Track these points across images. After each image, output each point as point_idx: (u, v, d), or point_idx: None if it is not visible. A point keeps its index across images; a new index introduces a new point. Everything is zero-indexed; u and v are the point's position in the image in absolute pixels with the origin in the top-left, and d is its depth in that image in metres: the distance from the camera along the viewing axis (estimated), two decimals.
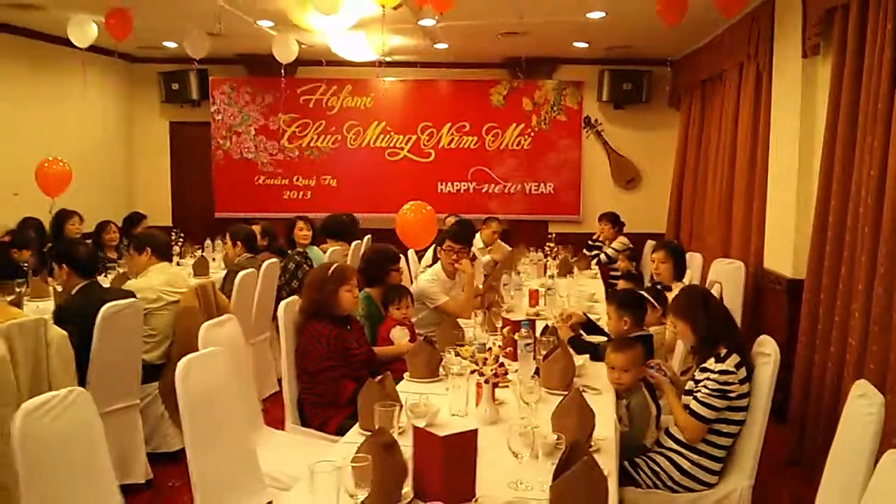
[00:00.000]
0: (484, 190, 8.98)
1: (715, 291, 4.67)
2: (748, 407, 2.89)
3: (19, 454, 2.00)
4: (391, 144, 9.02)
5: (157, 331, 4.32)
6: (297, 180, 9.11)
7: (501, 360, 2.74)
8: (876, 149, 3.44)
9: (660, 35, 7.09)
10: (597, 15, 6.25)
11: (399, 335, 4.04)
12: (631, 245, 7.21)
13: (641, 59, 8.40)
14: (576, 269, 6.43)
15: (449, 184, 8.99)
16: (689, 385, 2.98)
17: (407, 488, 2.03)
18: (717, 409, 2.83)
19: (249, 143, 9.05)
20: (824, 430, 3.89)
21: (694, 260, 6.14)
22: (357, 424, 2.63)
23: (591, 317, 4.09)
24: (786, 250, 5.00)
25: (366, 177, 9.00)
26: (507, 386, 2.88)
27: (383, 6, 4.78)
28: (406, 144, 9.01)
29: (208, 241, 7.24)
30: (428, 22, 6.40)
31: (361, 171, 9.01)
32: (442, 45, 7.70)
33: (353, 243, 7.02)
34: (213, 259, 6.75)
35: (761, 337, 3.03)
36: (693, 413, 2.86)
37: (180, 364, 2.53)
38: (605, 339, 3.65)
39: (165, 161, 9.35)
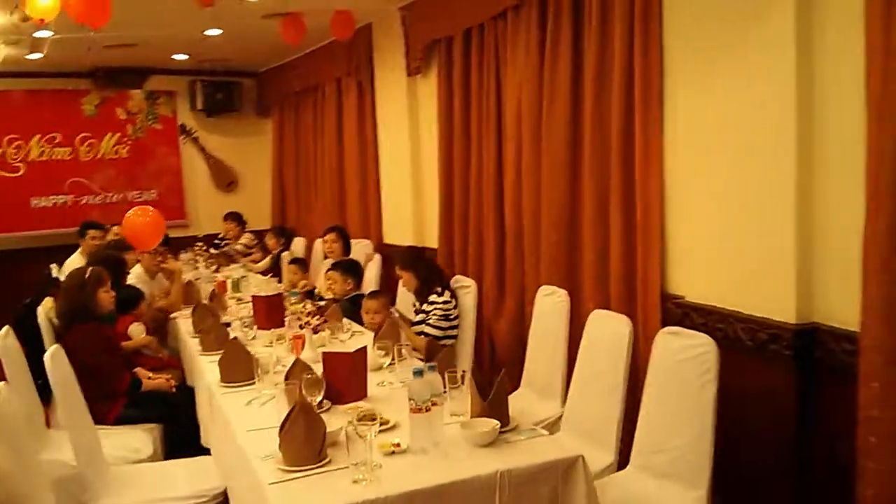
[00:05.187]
0: (83, 202, 8.75)
1: (374, 263, 5.87)
2: (459, 325, 4.14)
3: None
4: None
5: None
6: None
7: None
8: (490, 142, 4.86)
9: (250, 50, 7.95)
10: (214, 32, 6.83)
11: (138, 331, 4.40)
12: (257, 239, 8.04)
13: (231, 70, 9.14)
14: (220, 266, 7.02)
15: (44, 198, 8.57)
16: (420, 317, 4.11)
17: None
18: (443, 328, 4.02)
19: None
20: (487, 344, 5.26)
21: None
22: (218, 379, 3.15)
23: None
24: (405, 226, 6.37)
25: None
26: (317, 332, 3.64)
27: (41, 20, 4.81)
28: None
29: None
30: (44, 33, 6.26)
31: None
32: (36, 56, 7.38)
33: None
34: None
35: (456, 276, 4.31)
36: (427, 335, 4.00)
37: (51, 354, 2.79)
38: (331, 301, 4.57)
39: None
